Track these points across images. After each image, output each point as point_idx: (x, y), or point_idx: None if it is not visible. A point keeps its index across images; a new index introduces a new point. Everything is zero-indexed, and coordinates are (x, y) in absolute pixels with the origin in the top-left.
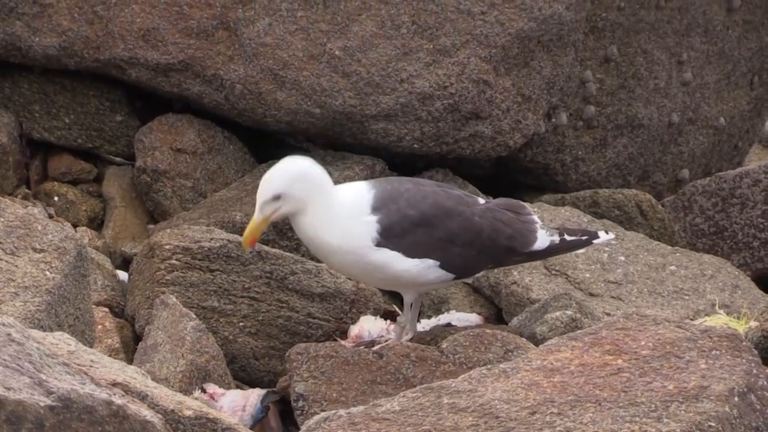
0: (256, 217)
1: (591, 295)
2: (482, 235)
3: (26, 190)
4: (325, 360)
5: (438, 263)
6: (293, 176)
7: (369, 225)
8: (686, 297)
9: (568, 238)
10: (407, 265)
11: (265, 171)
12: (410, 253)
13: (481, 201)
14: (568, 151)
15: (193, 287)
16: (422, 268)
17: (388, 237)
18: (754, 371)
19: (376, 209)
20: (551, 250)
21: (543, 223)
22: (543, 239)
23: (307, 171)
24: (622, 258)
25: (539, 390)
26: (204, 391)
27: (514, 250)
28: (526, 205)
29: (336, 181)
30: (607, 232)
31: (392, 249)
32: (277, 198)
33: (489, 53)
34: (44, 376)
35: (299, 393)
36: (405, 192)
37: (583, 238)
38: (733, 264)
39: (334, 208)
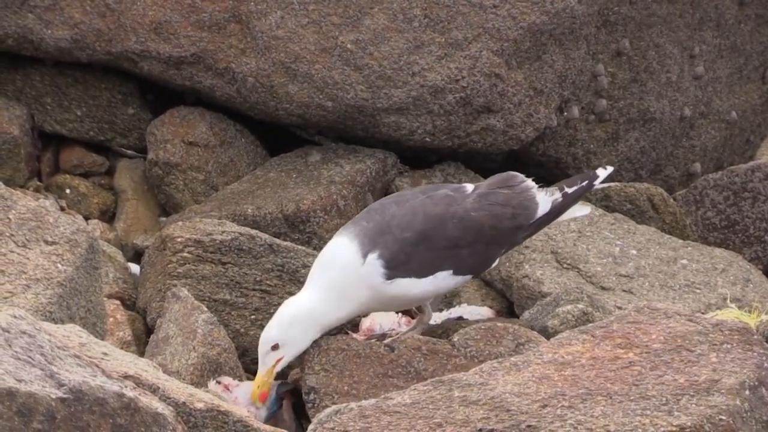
0: (261, 371)
1: (602, 288)
2: (484, 227)
3: (38, 183)
4: (337, 353)
5: (451, 271)
6: (286, 323)
7: (373, 266)
8: (698, 291)
9: (569, 190)
10: (423, 285)
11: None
12: (421, 273)
13: (470, 188)
14: (579, 145)
15: (204, 280)
16: (438, 281)
17: (395, 267)
18: (766, 365)
19: (370, 249)
20: (558, 209)
21: (540, 186)
22: (544, 202)
23: (296, 313)
24: (634, 251)
25: (550, 383)
26: (219, 382)
27: (521, 226)
28: (517, 173)
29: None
30: (605, 168)
31: (404, 276)
32: (275, 348)
33: (501, 47)
34: (55, 368)
35: (311, 386)
36: (392, 219)
37: (584, 183)
38: (745, 258)
39: (335, 297)
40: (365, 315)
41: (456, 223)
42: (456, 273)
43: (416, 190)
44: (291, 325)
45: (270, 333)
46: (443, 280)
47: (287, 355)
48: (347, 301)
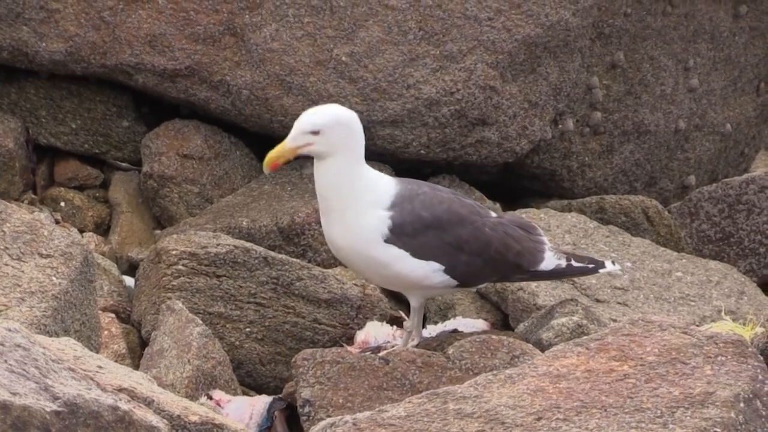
0: (288, 143)
1: (597, 301)
2: (491, 246)
3: (33, 196)
4: (332, 366)
5: (444, 268)
6: (338, 118)
7: (381, 220)
8: (692, 303)
9: (574, 264)
10: (413, 265)
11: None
12: (418, 254)
13: (493, 214)
14: (574, 157)
15: (199, 293)
16: (427, 271)
17: (398, 235)
18: (760, 377)
19: (392, 205)
20: (556, 273)
21: (552, 246)
22: (550, 261)
23: (352, 120)
24: (629, 264)
25: (545, 396)
26: (210, 397)
27: (520, 267)
28: (537, 226)
29: None
30: (614, 263)
31: (400, 248)
32: (315, 133)
33: (496, 59)
34: (50, 382)
35: (305, 398)
36: (421, 194)
37: (590, 266)
38: (740, 270)
39: (359, 177)
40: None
41: (471, 229)
42: (446, 272)
43: (449, 189)
44: (340, 124)
45: (319, 117)
46: (432, 272)
47: (317, 145)
48: (353, 194)
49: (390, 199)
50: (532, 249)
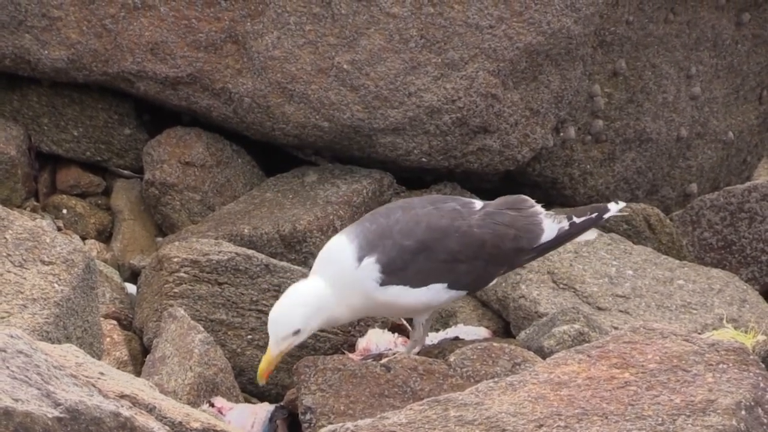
0: (273, 351)
1: (599, 308)
2: (485, 245)
3: (35, 203)
4: (333, 373)
5: (446, 285)
6: (310, 310)
7: (368, 269)
8: (694, 311)
9: (577, 220)
10: (416, 294)
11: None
12: (416, 283)
13: (478, 205)
14: (576, 165)
15: (201, 300)
16: (432, 294)
17: (390, 273)
18: (762, 385)
19: (367, 252)
20: (562, 237)
21: (548, 212)
22: (550, 229)
23: (316, 303)
24: (630, 272)
25: (546, 403)
26: (212, 404)
27: (523, 249)
28: (527, 197)
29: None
30: (616, 202)
31: (398, 284)
32: (296, 332)
33: (497, 67)
34: (52, 388)
35: (307, 406)
36: (395, 224)
37: (593, 215)
38: (742, 278)
39: (336, 292)
40: (360, 319)
41: (458, 237)
42: (450, 287)
43: (425, 199)
44: (315, 313)
45: (294, 320)
46: (437, 293)
47: (299, 339)
48: (344, 299)
49: (356, 253)
50: (527, 226)
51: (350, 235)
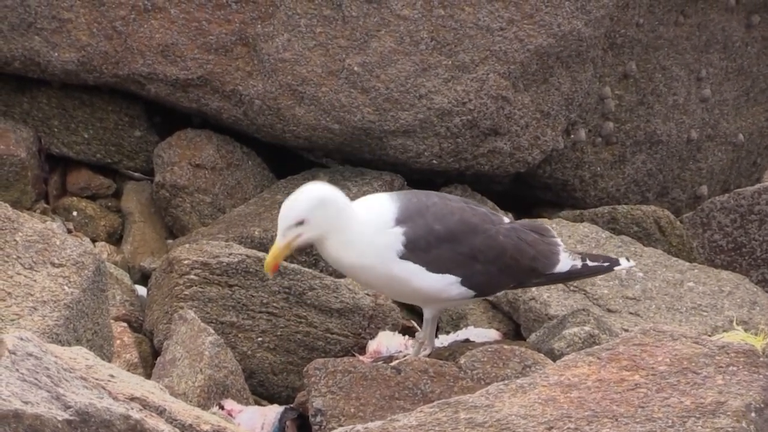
0: (279, 242)
1: (609, 311)
2: (506, 254)
3: (45, 205)
4: (343, 375)
5: (460, 279)
6: (316, 202)
7: (394, 236)
8: (704, 313)
9: (589, 263)
10: (430, 279)
11: (283, 187)
12: (433, 268)
13: (506, 220)
14: (586, 167)
15: (211, 302)
16: (444, 284)
17: (412, 250)
18: None
19: (401, 221)
20: (572, 274)
21: (566, 247)
22: (565, 262)
23: (329, 197)
24: (641, 274)
25: (556, 405)
26: (222, 407)
27: (536, 271)
28: (550, 227)
29: (353, 198)
30: (628, 260)
31: (415, 262)
32: (300, 223)
33: (508, 69)
34: (62, 390)
35: (317, 408)
36: (432, 206)
37: (605, 264)
38: (752, 280)
39: (357, 228)
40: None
41: (484, 238)
42: (463, 283)
43: (459, 197)
44: (319, 207)
45: (298, 209)
46: (449, 284)
47: (307, 234)
48: (360, 243)
49: (395, 216)
50: (546, 252)
51: (393, 196)
